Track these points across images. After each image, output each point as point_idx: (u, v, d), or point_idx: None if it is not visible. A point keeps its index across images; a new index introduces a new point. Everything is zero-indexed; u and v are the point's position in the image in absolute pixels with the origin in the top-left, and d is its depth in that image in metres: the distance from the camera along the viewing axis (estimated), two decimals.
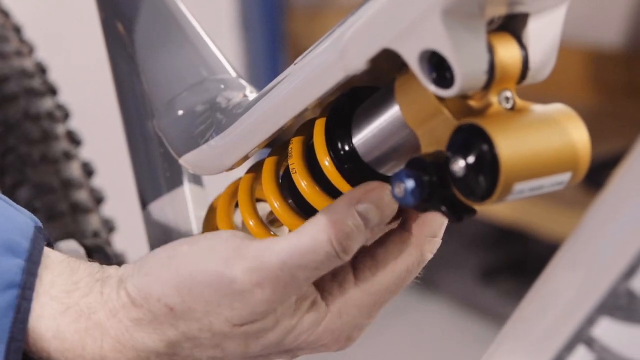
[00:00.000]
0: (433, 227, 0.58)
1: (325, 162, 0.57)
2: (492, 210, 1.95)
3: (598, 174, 0.95)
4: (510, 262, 2.21)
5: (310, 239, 0.54)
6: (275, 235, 0.63)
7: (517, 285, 2.07)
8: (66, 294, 0.57)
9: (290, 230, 0.66)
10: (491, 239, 2.30)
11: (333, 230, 0.54)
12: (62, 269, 0.58)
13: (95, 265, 0.59)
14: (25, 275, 0.56)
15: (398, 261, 0.58)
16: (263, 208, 0.64)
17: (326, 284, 0.57)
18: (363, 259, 0.58)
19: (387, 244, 0.58)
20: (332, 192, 0.58)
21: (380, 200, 0.55)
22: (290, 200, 0.61)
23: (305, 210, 0.60)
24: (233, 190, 0.66)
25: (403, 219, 0.58)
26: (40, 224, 0.60)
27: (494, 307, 2.02)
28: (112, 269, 0.59)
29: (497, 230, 2.20)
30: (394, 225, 0.59)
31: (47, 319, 0.57)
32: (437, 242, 0.58)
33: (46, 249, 0.59)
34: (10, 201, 0.60)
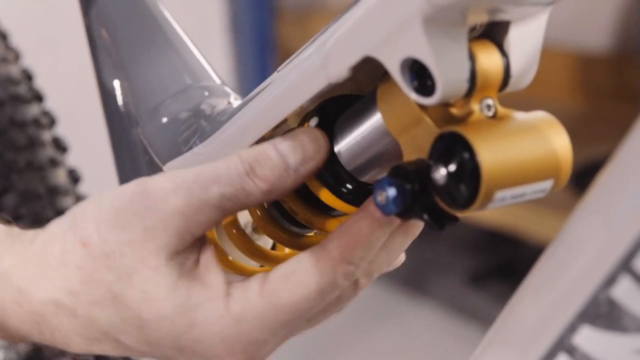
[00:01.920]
0: (352, 253, 0.54)
1: None
2: (481, 214, 1.95)
3: (586, 177, 0.95)
4: (500, 266, 2.22)
5: (223, 161, 0.54)
6: (257, 245, 0.63)
7: (506, 289, 2.07)
8: None
9: (273, 241, 0.66)
10: (480, 243, 2.31)
11: (244, 153, 0.54)
12: None
13: (17, 227, 0.58)
14: None
15: (308, 279, 0.54)
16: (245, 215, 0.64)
17: (234, 288, 0.55)
18: (275, 270, 0.55)
19: (301, 259, 0.54)
20: (315, 201, 0.58)
21: (301, 139, 0.54)
22: (273, 210, 0.61)
23: (286, 218, 0.60)
24: None
25: (326, 238, 0.55)
26: None
27: (484, 311, 2.02)
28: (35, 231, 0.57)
29: (486, 234, 2.20)
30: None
31: None
32: (354, 272, 0.55)
33: None
34: None
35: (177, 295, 0.53)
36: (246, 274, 0.60)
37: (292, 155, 0.54)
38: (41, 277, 0.55)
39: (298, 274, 0.54)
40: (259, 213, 0.60)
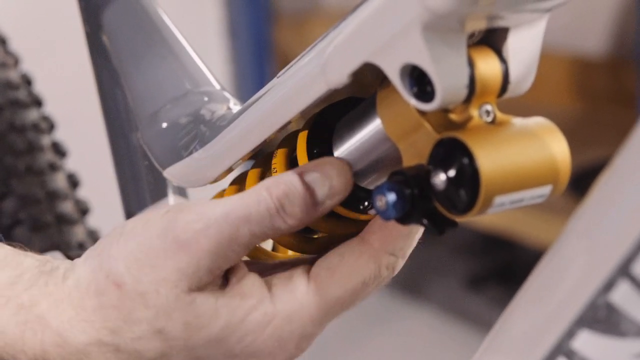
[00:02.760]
0: (394, 244, 0.56)
1: None
2: (480, 218, 1.95)
3: (584, 181, 0.96)
4: (498, 270, 2.22)
5: (251, 195, 0.54)
6: (261, 249, 0.63)
7: (504, 293, 2.08)
8: (9, 287, 0.55)
9: (273, 244, 0.66)
10: (478, 247, 2.31)
11: (274, 188, 0.54)
12: (5, 262, 0.56)
13: (44, 258, 0.58)
14: None
15: (354, 272, 0.56)
16: None
17: (278, 288, 0.56)
18: (318, 266, 0.56)
19: (344, 253, 0.56)
20: None
21: (328, 171, 0.55)
22: None
23: None
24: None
25: (365, 231, 0.57)
26: None
27: (482, 315, 2.03)
28: (61, 262, 0.57)
29: (484, 237, 2.20)
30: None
31: None
32: (396, 261, 0.57)
33: None
34: None
35: (220, 318, 0.55)
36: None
37: (320, 190, 0.55)
38: (80, 320, 0.55)
39: (343, 268, 0.56)
40: None
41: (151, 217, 0.55)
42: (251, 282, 0.56)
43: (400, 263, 0.57)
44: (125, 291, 0.54)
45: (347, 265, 0.56)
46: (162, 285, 0.54)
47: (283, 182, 0.54)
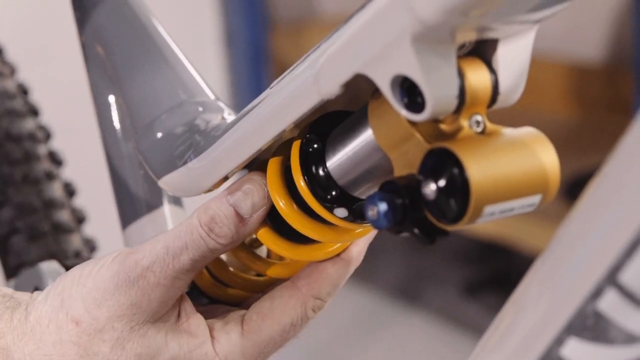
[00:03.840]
0: (321, 289, 0.62)
1: (301, 184, 0.58)
2: (475, 225, 1.96)
3: (578, 188, 0.96)
4: (494, 277, 2.22)
5: (185, 225, 0.60)
6: (254, 254, 0.64)
7: (500, 300, 2.07)
8: None
9: (269, 251, 0.67)
10: (474, 254, 2.31)
11: (202, 214, 0.60)
12: None
13: (8, 294, 0.63)
14: None
15: (282, 315, 0.62)
16: None
17: (216, 332, 0.62)
18: (251, 311, 0.62)
19: (274, 298, 0.62)
20: (310, 213, 0.59)
21: (248, 188, 0.60)
22: (268, 220, 0.61)
23: (283, 230, 0.61)
24: None
25: (296, 276, 0.63)
26: None
27: (478, 322, 2.03)
28: (25, 296, 0.63)
29: (480, 244, 2.21)
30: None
31: None
32: (322, 304, 0.63)
33: None
34: None
35: (169, 350, 0.60)
36: (246, 284, 0.66)
37: (244, 207, 0.60)
38: (40, 353, 0.60)
39: (273, 313, 0.62)
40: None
41: (105, 260, 0.61)
42: (197, 323, 0.61)
43: (325, 305, 0.63)
44: (83, 328, 0.59)
45: (276, 310, 0.62)
46: (118, 320, 0.59)
47: (210, 208, 0.60)
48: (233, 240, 0.60)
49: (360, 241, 0.63)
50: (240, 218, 0.60)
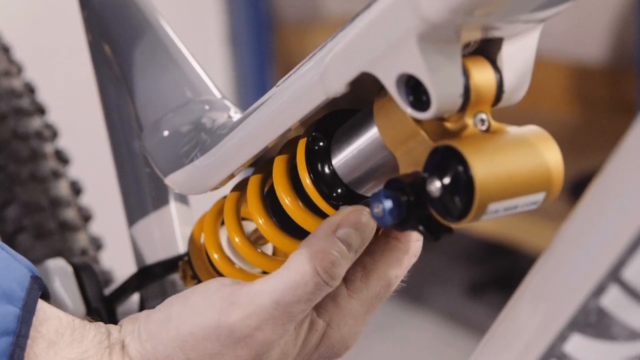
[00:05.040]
0: (416, 245, 0.60)
1: (307, 182, 0.58)
2: (479, 225, 1.96)
3: (581, 187, 0.96)
4: (497, 277, 2.22)
5: (297, 274, 0.55)
6: (260, 252, 0.64)
7: (504, 300, 2.06)
8: None
9: (274, 248, 0.67)
10: (478, 254, 2.31)
11: (318, 260, 0.55)
12: (72, 337, 0.58)
13: (101, 330, 0.60)
14: (20, 324, 0.57)
15: (387, 268, 0.60)
16: (249, 225, 0.65)
17: (321, 301, 0.58)
18: (354, 271, 0.59)
19: (374, 252, 0.60)
20: (316, 210, 0.59)
21: (358, 222, 0.57)
22: (274, 218, 0.62)
23: (289, 227, 0.61)
24: (219, 209, 0.67)
25: (384, 233, 0.60)
26: (37, 273, 0.60)
27: (481, 321, 2.03)
28: (116, 331, 0.60)
29: (483, 245, 2.21)
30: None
31: None
32: (420, 245, 0.61)
33: (44, 305, 0.59)
34: (9, 249, 0.61)
35: (278, 350, 0.58)
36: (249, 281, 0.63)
37: (355, 242, 0.57)
38: None
39: (377, 269, 0.60)
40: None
41: (198, 304, 0.57)
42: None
43: (421, 247, 0.61)
44: None
45: (379, 264, 0.59)
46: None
47: (326, 252, 0.55)
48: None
49: None
50: (353, 256, 0.57)
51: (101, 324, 0.60)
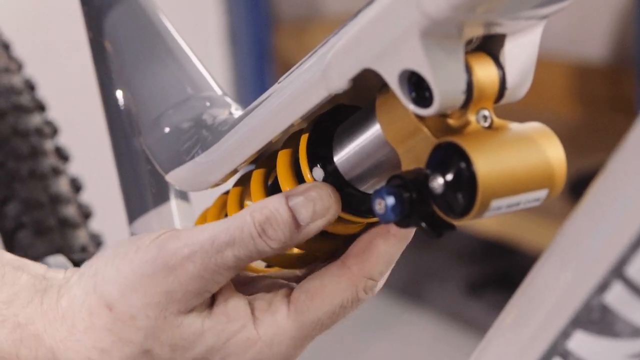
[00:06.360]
0: (372, 269, 0.58)
1: (309, 177, 0.58)
2: (479, 223, 1.96)
3: (582, 187, 0.96)
4: (497, 275, 2.22)
5: (237, 219, 0.56)
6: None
7: (503, 298, 2.06)
8: (6, 306, 0.58)
9: None
10: (478, 253, 2.31)
11: (257, 213, 0.56)
12: (3, 281, 0.59)
13: (39, 274, 0.60)
14: None
15: (333, 296, 0.58)
16: None
17: (260, 312, 0.58)
18: (299, 290, 0.58)
19: (324, 277, 0.58)
20: None
21: (309, 194, 0.56)
22: None
23: None
24: (221, 204, 0.67)
25: (345, 255, 0.59)
26: None
27: (481, 320, 2.03)
28: (59, 274, 0.60)
29: (483, 243, 2.21)
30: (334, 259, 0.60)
31: None
32: (374, 285, 0.59)
33: None
34: None
35: (205, 339, 0.57)
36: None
37: (304, 213, 0.56)
38: (72, 339, 0.58)
39: (323, 292, 0.58)
40: None
41: (142, 243, 0.58)
42: (236, 304, 0.58)
43: (379, 285, 0.59)
44: (117, 314, 0.57)
45: (326, 290, 0.58)
46: (152, 308, 0.56)
47: (267, 207, 0.56)
48: (284, 246, 0.57)
49: None
50: (296, 224, 0.56)
51: (42, 267, 0.60)
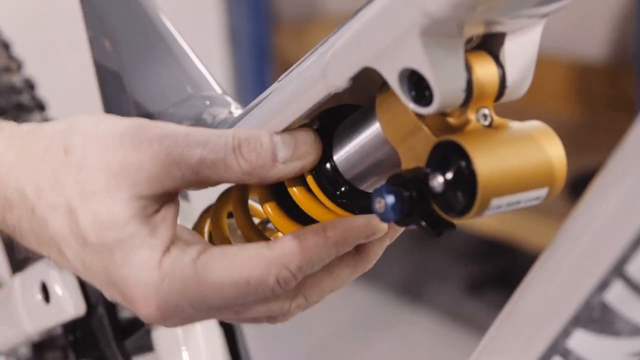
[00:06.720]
0: (294, 259, 0.56)
1: (308, 176, 0.58)
2: (479, 222, 1.96)
3: (581, 186, 0.96)
4: (497, 274, 2.22)
5: (219, 130, 0.56)
6: (265, 237, 0.64)
7: (503, 297, 2.06)
8: None
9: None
10: (478, 252, 2.31)
11: (241, 132, 0.56)
12: None
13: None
14: None
15: (243, 266, 0.56)
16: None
17: (174, 245, 0.56)
18: (216, 248, 0.57)
19: (246, 247, 0.56)
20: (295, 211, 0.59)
21: (297, 137, 0.56)
22: (282, 207, 0.61)
23: (297, 216, 0.61)
24: (224, 201, 0.67)
25: (276, 240, 0.58)
26: None
27: (481, 319, 2.03)
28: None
29: (483, 242, 2.21)
30: None
31: None
32: (288, 278, 0.56)
33: None
34: None
35: (123, 231, 0.55)
36: None
37: (283, 149, 0.56)
38: (19, 165, 0.57)
39: (234, 258, 0.55)
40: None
41: (123, 119, 0.57)
42: (166, 227, 0.56)
43: (292, 283, 0.56)
44: (69, 159, 0.56)
45: (239, 258, 0.55)
46: (102, 170, 0.55)
47: (251, 131, 0.56)
48: (252, 173, 0.55)
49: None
50: (273, 157, 0.56)
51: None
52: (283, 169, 0.56)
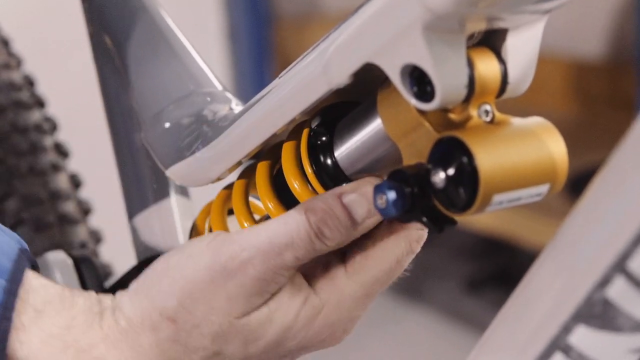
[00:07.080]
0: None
1: (309, 171, 0.58)
2: (478, 220, 1.96)
3: (581, 184, 0.96)
4: (496, 272, 2.22)
5: (293, 219, 0.56)
6: None
7: (503, 295, 2.07)
8: (66, 331, 0.57)
9: None
10: (477, 250, 2.31)
11: (313, 214, 0.56)
12: (61, 305, 0.58)
13: (92, 298, 0.59)
14: (7, 295, 0.56)
15: (387, 252, 0.58)
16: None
17: (318, 280, 0.58)
18: (352, 252, 0.58)
19: (375, 235, 0.58)
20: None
21: (367, 193, 0.56)
22: (283, 204, 0.61)
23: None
24: (224, 198, 0.67)
25: None
26: (25, 246, 0.59)
27: (480, 317, 2.03)
28: (108, 299, 0.59)
29: (482, 240, 2.21)
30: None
31: (35, 348, 0.56)
32: (424, 234, 0.59)
33: (32, 275, 0.58)
34: None
35: (274, 324, 0.58)
36: None
37: (359, 211, 0.56)
38: (139, 357, 0.57)
39: (377, 251, 0.58)
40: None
41: (194, 250, 0.57)
42: (295, 281, 0.58)
43: (426, 234, 0.59)
44: (180, 325, 0.57)
45: (379, 247, 0.58)
46: (215, 314, 0.56)
47: (321, 208, 0.56)
48: (340, 244, 0.57)
49: None
50: (353, 222, 0.56)
51: (92, 293, 0.60)
52: (365, 226, 0.57)
